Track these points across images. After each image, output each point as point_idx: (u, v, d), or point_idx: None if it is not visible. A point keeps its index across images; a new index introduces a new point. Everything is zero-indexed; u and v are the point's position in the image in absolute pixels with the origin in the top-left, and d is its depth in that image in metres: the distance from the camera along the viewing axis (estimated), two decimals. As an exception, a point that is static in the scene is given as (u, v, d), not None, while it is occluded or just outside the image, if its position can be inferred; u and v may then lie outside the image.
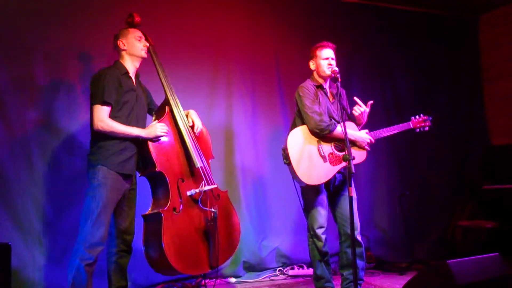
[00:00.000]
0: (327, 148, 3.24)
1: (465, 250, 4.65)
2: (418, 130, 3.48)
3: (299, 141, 3.21)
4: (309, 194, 3.30)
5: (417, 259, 4.49)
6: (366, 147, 3.31)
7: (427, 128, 3.48)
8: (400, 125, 3.41)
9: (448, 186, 5.18)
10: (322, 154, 3.21)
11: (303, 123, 3.30)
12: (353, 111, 3.37)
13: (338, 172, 3.27)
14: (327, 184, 3.27)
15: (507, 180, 4.73)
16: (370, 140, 3.31)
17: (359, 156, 3.28)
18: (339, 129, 3.19)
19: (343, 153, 3.19)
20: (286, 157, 3.18)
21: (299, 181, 3.17)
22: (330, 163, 3.21)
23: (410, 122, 3.46)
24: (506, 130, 5.27)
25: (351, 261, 3.15)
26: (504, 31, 5.30)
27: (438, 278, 2.53)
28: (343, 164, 3.20)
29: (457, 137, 5.32)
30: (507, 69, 5.27)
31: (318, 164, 3.18)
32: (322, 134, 3.20)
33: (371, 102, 3.38)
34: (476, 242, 4.77)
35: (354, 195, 3.27)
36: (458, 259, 2.56)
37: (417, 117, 3.48)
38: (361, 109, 3.34)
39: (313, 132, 3.22)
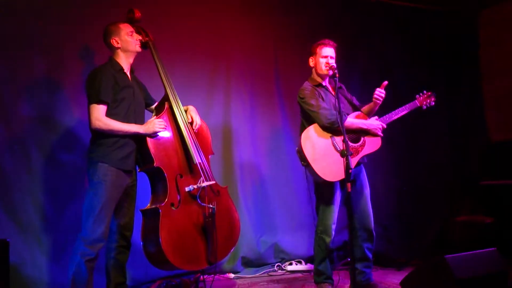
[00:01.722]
0: (341, 141, 3.18)
1: (463, 246, 4.64)
2: (425, 107, 3.47)
3: (313, 140, 3.20)
4: (324, 191, 3.29)
5: (416, 254, 4.49)
6: (379, 133, 3.30)
7: (433, 103, 3.47)
8: (408, 105, 3.40)
9: (446, 181, 5.18)
10: (338, 149, 3.19)
11: (310, 124, 3.29)
12: (375, 97, 3.30)
13: (356, 165, 3.25)
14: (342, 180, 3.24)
15: (506, 176, 4.73)
16: (382, 125, 3.31)
17: (374, 143, 3.30)
18: (349, 120, 3.22)
19: (359, 143, 3.24)
20: (303, 158, 3.17)
21: (321, 180, 3.14)
22: None
23: (416, 100, 3.45)
24: (505, 126, 5.27)
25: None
26: (504, 27, 5.28)
27: (436, 273, 2.55)
28: (360, 154, 3.23)
29: (456, 133, 5.31)
30: (507, 65, 5.26)
31: (336, 159, 3.14)
32: (333, 128, 3.18)
33: (386, 82, 3.33)
34: (475, 237, 4.77)
35: (367, 190, 3.38)
36: (456, 254, 2.58)
37: (421, 94, 3.48)
38: (382, 92, 3.29)
39: (324, 128, 3.21)
